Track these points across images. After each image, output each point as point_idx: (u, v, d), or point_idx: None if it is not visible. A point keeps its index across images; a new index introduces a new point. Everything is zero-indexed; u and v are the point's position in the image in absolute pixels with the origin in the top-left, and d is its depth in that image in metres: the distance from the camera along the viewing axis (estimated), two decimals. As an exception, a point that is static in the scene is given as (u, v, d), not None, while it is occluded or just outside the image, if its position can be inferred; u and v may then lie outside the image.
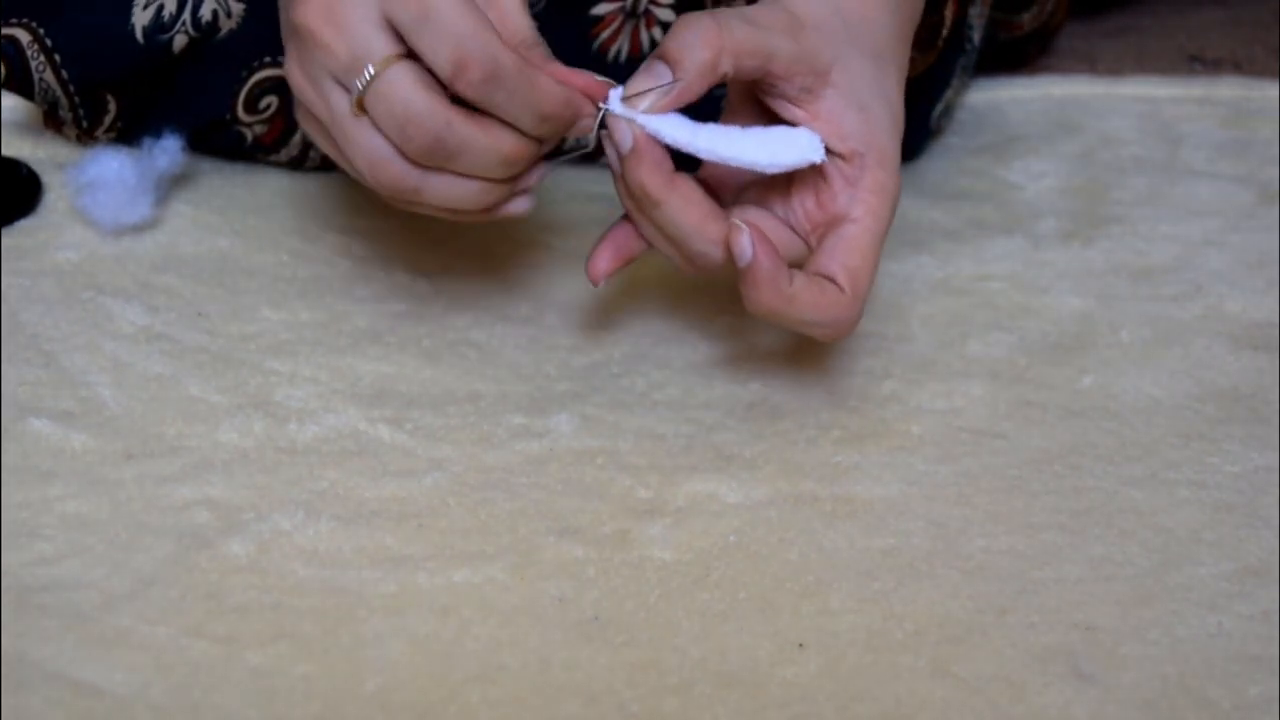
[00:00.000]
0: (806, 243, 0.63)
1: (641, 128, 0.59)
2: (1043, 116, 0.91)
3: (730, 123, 0.63)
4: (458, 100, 0.58)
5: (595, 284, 0.64)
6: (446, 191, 0.60)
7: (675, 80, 0.59)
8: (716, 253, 0.61)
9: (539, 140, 0.60)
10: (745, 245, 0.59)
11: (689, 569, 0.60)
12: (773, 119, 0.62)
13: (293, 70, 0.60)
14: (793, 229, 0.63)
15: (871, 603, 0.58)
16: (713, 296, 0.74)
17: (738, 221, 0.59)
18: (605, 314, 0.73)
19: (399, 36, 0.57)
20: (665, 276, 0.76)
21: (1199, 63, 0.98)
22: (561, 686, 0.55)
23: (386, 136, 0.58)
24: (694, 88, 0.59)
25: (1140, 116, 0.92)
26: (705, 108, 0.61)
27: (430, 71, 0.57)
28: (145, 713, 0.53)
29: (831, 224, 0.62)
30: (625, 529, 0.61)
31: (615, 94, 0.60)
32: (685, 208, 0.60)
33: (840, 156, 0.61)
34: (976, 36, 0.85)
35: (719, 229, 0.60)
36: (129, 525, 0.60)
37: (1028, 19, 0.93)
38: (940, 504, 0.63)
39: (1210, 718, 0.54)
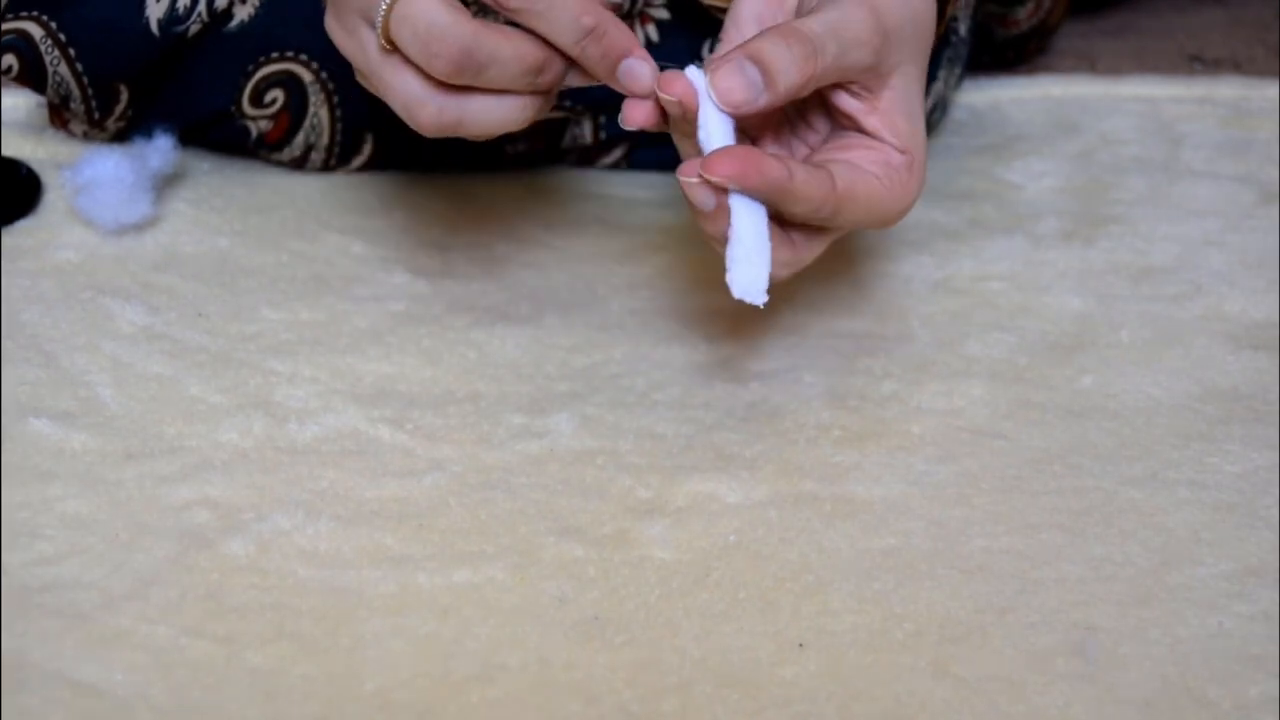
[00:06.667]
0: None
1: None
2: (1043, 116, 0.91)
3: None
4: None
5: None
6: (487, 115, 0.60)
7: (765, 92, 0.58)
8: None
9: (575, 60, 0.59)
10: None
11: (689, 569, 0.60)
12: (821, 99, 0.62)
13: (331, 25, 0.61)
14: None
15: (871, 603, 0.58)
16: (713, 296, 0.74)
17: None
18: (605, 314, 0.73)
19: None
20: (666, 275, 0.76)
21: (1199, 63, 0.98)
22: (561, 686, 0.55)
23: (416, 69, 0.58)
24: (776, 104, 0.59)
25: (1140, 116, 0.91)
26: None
27: None
28: (145, 713, 0.53)
29: None
30: (625, 529, 0.61)
31: (692, 71, 0.59)
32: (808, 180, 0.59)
33: (895, 149, 0.62)
34: (963, 29, 0.84)
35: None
36: (129, 525, 0.60)
37: (1024, 14, 0.93)
38: (940, 504, 0.63)
39: (1210, 718, 0.54)
